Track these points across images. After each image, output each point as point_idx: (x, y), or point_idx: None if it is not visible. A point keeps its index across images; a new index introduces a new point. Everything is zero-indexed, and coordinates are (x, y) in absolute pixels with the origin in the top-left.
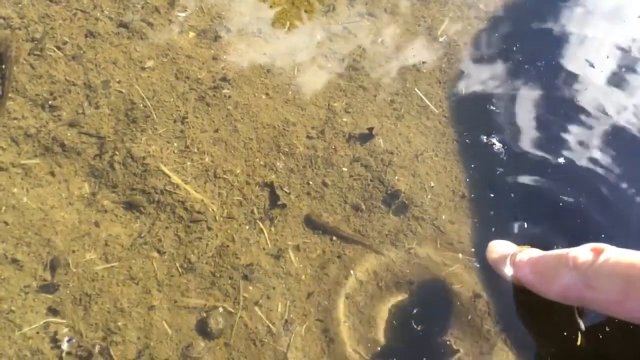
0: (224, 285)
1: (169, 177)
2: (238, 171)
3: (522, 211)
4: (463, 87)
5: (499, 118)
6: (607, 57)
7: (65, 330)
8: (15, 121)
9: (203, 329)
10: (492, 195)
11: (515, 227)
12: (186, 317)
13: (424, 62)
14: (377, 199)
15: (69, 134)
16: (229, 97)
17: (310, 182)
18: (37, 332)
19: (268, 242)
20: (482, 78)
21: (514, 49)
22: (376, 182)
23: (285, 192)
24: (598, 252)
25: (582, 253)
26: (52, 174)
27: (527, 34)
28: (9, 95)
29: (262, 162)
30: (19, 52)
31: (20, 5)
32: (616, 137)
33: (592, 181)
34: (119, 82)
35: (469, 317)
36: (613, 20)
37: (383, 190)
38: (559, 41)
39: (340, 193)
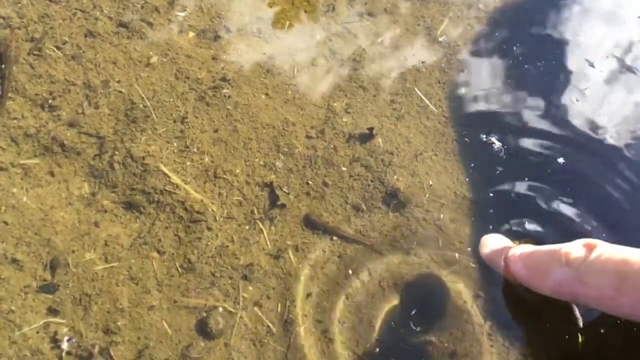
0: (224, 285)
1: (169, 177)
2: (238, 171)
3: (523, 211)
4: (463, 87)
5: (499, 118)
6: (607, 57)
7: (65, 330)
8: (14, 121)
9: (203, 329)
10: (492, 195)
11: (515, 227)
12: (186, 317)
13: (423, 62)
14: (377, 199)
15: (68, 134)
16: (229, 97)
17: (310, 182)
18: (37, 332)
19: (268, 242)
20: (482, 78)
21: (514, 48)
22: (376, 182)
23: (285, 192)
24: (590, 248)
25: (575, 249)
26: (52, 174)
27: (526, 34)
28: (9, 95)
29: (261, 162)
30: (18, 52)
31: (19, 4)
32: (617, 137)
33: (593, 181)
34: (118, 81)
35: (469, 317)
36: (613, 21)
37: (383, 190)
38: (559, 41)
39: (340, 193)
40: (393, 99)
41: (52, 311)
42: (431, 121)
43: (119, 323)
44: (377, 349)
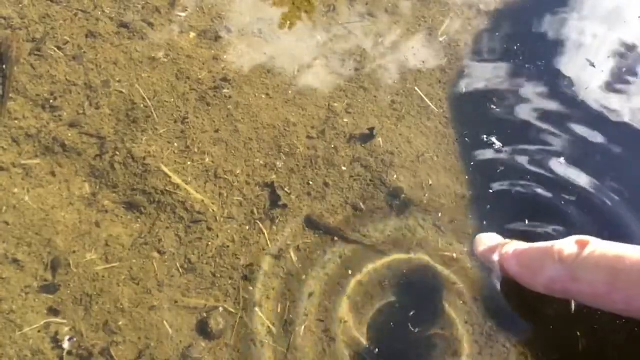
0: (225, 285)
1: (170, 177)
2: (238, 171)
3: (524, 211)
4: (464, 87)
5: (500, 118)
6: (608, 57)
7: (66, 330)
8: (16, 121)
9: (204, 330)
10: (492, 195)
11: (517, 227)
12: (187, 318)
13: (424, 63)
14: (377, 200)
15: (69, 134)
16: (230, 97)
17: (311, 183)
18: (39, 332)
19: (268, 242)
20: (483, 78)
21: (515, 48)
22: (377, 183)
23: (286, 192)
24: (583, 245)
25: (568, 245)
26: (53, 174)
27: (527, 33)
28: (10, 95)
29: (262, 163)
30: (19, 53)
31: (21, 5)
32: (618, 137)
33: (594, 181)
34: (119, 82)
35: (470, 318)
36: (614, 21)
37: (384, 190)
38: (560, 41)
39: (341, 193)
40: (394, 99)
41: (53, 311)
42: (432, 122)
43: (119, 323)
44: (378, 349)
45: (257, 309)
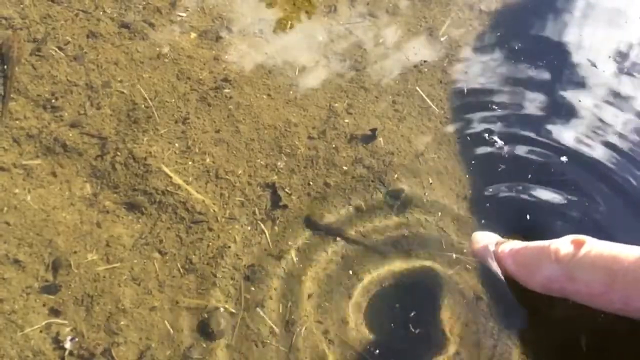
0: (226, 286)
1: (171, 177)
2: (239, 172)
3: (525, 211)
4: (465, 88)
5: (501, 118)
6: (609, 57)
7: (67, 330)
8: (17, 122)
9: (205, 330)
10: (494, 195)
11: (518, 227)
12: (188, 318)
13: (425, 63)
14: (378, 200)
15: (70, 135)
16: (231, 97)
17: (312, 183)
18: (40, 332)
19: (269, 243)
20: (484, 78)
21: (516, 48)
22: (378, 183)
23: (287, 192)
24: (579, 244)
25: (564, 245)
26: (54, 174)
27: (528, 34)
28: (11, 95)
29: (263, 163)
30: (20, 53)
31: (22, 5)
32: (619, 136)
33: (595, 180)
34: (120, 82)
35: (471, 319)
36: (615, 21)
37: (384, 191)
38: (561, 41)
39: (342, 194)
40: (395, 99)
41: (54, 312)
42: (433, 122)
43: (121, 324)
44: (379, 350)
45: (258, 309)
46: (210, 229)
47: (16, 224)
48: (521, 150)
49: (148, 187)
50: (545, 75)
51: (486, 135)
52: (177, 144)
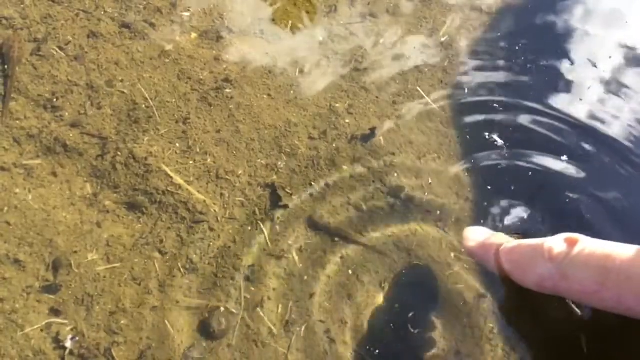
0: (226, 286)
1: (171, 177)
2: (240, 172)
3: (526, 211)
4: (465, 87)
5: (502, 118)
6: (610, 57)
7: (68, 330)
8: (17, 122)
9: (205, 330)
10: (494, 195)
11: (519, 227)
12: (188, 318)
13: (426, 63)
14: (378, 200)
15: (71, 135)
16: (231, 97)
17: (312, 183)
18: (41, 332)
19: (270, 243)
20: (484, 78)
21: (516, 48)
22: (378, 183)
23: (287, 192)
24: (572, 243)
25: (557, 244)
26: (55, 174)
27: (529, 34)
28: (12, 95)
29: (264, 163)
30: (21, 53)
31: (22, 5)
32: (619, 136)
33: (596, 179)
34: (121, 82)
35: (471, 319)
36: (615, 20)
37: (385, 191)
38: (561, 41)
39: (342, 194)
40: (395, 99)
41: (55, 311)
42: (433, 122)
43: (121, 323)
44: (379, 350)
45: (258, 309)
46: (211, 229)
47: (17, 224)
48: (523, 149)
49: (149, 187)
50: (546, 75)
51: (487, 134)
52: (177, 144)
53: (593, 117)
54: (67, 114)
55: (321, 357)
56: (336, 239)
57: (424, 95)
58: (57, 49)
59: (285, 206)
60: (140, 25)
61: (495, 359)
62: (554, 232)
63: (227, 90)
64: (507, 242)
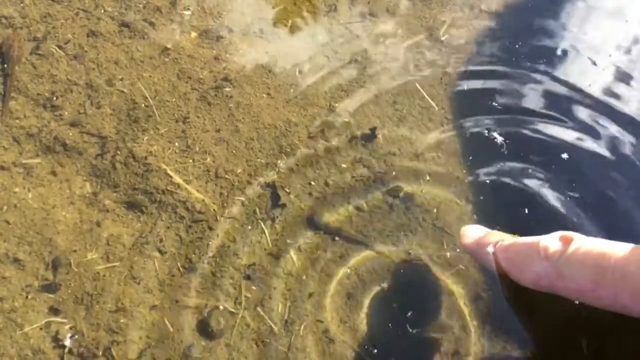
0: (226, 285)
1: (171, 177)
2: (239, 171)
3: (526, 210)
4: (466, 87)
5: (502, 117)
6: (610, 55)
7: (67, 329)
8: (17, 121)
9: (204, 329)
10: (494, 195)
11: (519, 226)
12: (187, 317)
13: (426, 62)
14: (378, 199)
15: (70, 134)
16: (231, 97)
17: (312, 183)
18: (40, 330)
19: (269, 242)
20: (484, 77)
21: (517, 47)
22: (378, 183)
23: (287, 192)
24: (567, 241)
25: (552, 242)
26: (54, 173)
27: (529, 32)
28: (11, 94)
29: (263, 162)
30: (20, 52)
31: (22, 4)
32: (620, 135)
33: (596, 177)
34: (120, 81)
35: (470, 319)
36: (615, 19)
37: (385, 190)
38: (561, 39)
39: (342, 193)
40: (395, 99)
41: (54, 310)
42: (433, 122)
43: (120, 322)
44: (378, 349)
45: (258, 308)
46: (210, 228)
47: (16, 223)
48: (523, 148)
49: (148, 186)
50: (546, 74)
51: (487, 134)
52: (177, 143)
53: (594, 116)
54: (66, 113)
55: (320, 356)
56: (336, 238)
57: (424, 94)
58: (57, 48)
59: (285, 205)
60: (139, 25)
61: (495, 359)
62: (550, 229)
63: (227, 90)
64: (504, 239)
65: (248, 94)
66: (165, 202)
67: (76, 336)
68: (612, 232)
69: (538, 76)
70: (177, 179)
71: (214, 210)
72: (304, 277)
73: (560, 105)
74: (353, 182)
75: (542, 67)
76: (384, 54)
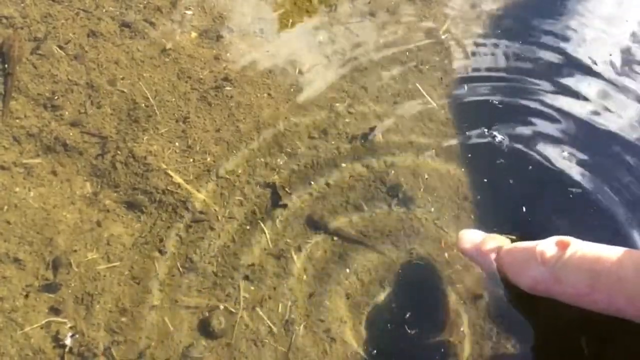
0: (226, 285)
1: (171, 176)
2: (240, 171)
3: (526, 210)
4: (466, 86)
5: (502, 117)
6: (610, 55)
7: (67, 329)
8: (17, 121)
9: (204, 329)
10: (494, 194)
11: (519, 226)
12: (187, 317)
13: (426, 62)
14: (378, 199)
15: (71, 134)
16: (231, 96)
17: (312, 183)
18: (41, 329)
19: (269, 242)
20: (484, 77)
21: (517, 47)
22: (378, 183)
23: (287, 192)
24: (564, 246)
25: (549, 247)
26: (54, 173)
27: (529, 32)
28: (12, 94)
29: (263, 162)
30: (21, 52)
31: (22, 4)
32: (619, 134)
33: (597, 176)
34: (121, 80)
35: (470, 319)
36: (616, 19)
37: (385, 190)
38: (562, 39)
39: (342, 193)
40: (395, 99)
41: (54, 310)
42: (434, 122)
43: (120, 322)
44: (377, 350)
45: (258, 308)
46: (211, 228)
47: (16, 223)
48: (523, 148)
49: (148, 186)
50: (547, 73)
51: (487, 134)
52: (177, 143)
53: (594, 114)
54: (67, 113)
55: (321, 356)
56: (335, 238)
57: (424, 94)
58: (57, 48)
59: (285, 205)
60: (140, 25)
61: (494, 358)
62: (548, 233)
63: (227, 89)
64: (502, 244)
65: (248, 94)
66: (166, 202)
67: (76, 336)
68: None
69: (539, 76)
70: (177, 178)
71: (215, 210)
72: (304, 277)
73: (560, 105)
74: (353, 182)
75: (542, 67)
76: (384, 53)
